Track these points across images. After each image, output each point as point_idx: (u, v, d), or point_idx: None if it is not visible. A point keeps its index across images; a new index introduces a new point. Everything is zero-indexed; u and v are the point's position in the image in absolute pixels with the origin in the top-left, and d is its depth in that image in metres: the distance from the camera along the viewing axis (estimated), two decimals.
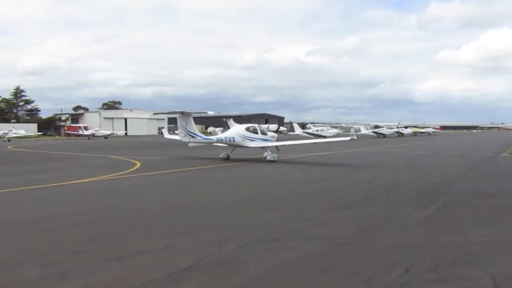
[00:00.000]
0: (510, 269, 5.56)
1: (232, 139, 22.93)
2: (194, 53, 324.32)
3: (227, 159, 22.89)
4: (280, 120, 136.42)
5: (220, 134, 24.41)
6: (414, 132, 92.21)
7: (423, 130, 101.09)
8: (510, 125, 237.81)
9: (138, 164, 20.03)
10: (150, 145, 44.18)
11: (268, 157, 22.23)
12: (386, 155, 27.92)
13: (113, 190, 12.33)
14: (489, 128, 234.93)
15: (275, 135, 25.37)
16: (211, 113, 26.43)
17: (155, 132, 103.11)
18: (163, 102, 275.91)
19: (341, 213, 8.97)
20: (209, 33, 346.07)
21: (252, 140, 23.10)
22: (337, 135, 63.79)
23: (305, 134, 62.10)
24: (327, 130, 66.40)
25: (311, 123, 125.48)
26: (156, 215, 8.68)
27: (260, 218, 8.44)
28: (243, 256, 6.06)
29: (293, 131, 64.89)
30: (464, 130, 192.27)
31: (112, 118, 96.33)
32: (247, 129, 23.42)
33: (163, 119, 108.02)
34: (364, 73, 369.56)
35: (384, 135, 75.11)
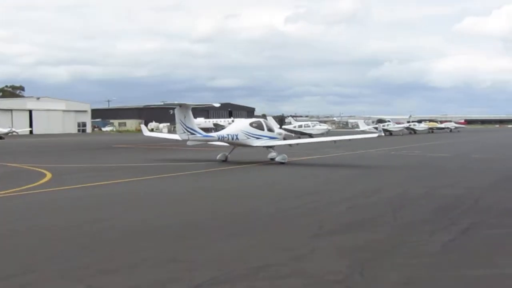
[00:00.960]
0: None
1: (235, 137, 25.59)
2: (130, 18, 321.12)
3: (225, 161, 25.79)
4: (249, 112, 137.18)
5: (221, 131, 27.78)
6: (430, 128, 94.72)
7: (443, 125, 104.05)
8: None
9: (48, 175, 19.66)
10: (70, 147, 43.36)
11: (277, 159, 25.05)
12: (394, 160, 28.47)
13: (5, 213, 12.02)
14: None
15: (283, 132, 28.82)
16: (217, 105, 29.65)
17: (74, 129, 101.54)
18: (85, 87, 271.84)
19: (332, 240, 9.06)
20: None
21: (257, 138, 25.88)
22: (327, 133, 64.61)
23: (284, 132, 62.51)
24: (313, 126, 66.99)
25: (292, 116, 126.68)
26: (73, 246, 8.51)
27: (222, 248, 8.42)
28: None
29: None
30: (497, 125, 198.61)
31: (11, 110, 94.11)
32: (251, 125, 26.34)
33: (84, 111, 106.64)
34: (364, 48, 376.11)
35: (390, 133, 76.67)
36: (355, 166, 24.38)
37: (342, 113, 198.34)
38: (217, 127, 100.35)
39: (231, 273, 7.07)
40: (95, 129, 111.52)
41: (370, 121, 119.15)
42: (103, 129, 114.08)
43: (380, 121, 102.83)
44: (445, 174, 20.83)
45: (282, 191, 15.76)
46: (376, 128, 78.71)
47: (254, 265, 7.42)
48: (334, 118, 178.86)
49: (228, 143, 26.16)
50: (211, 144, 27.77)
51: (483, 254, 8.15)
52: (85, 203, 13.41)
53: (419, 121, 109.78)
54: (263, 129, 26.27)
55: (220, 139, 25.81)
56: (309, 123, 73.77)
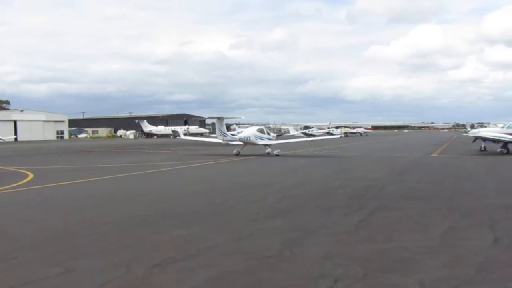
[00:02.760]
0: (437, 275, 5.99)
1: (248, 138, 31.65)
2: (100, 44, 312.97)
3: (238, 154, 30.57)
4: (201, 121, 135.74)
5: (240, 134, 34.03)
6: (345, 133, 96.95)
7: (354, 131, 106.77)
8: (439, 124, 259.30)
9: (30, 176, 18.83)
10: (51, 151, 41.67)
11: (275, 152, 30.72)
12: (317, 158, 28.96)
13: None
14: (420, 127, 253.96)
15: (275, 135, 36.22)
16: (243, 118, 39.67)
17: (53, 136, 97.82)
18: (62, 101, 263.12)
19: (267, 224, 9.11)
20: (119, 21, 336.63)
21: (261, 139, 32.00)
22: None
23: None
24: None
25: (236, 124, 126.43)
26: (50, 236, 8.17)
27: (176, 234, 8.30)
28: (156, 277, 5.91)
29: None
30: (396, 130, 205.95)
31: None
32: (257, 130, 32.64)
33: (62, 121, 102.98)
34: (293, 69, 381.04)
35: (313, 136, 77.94)
36: (282, 163, 24.72)
37: (276, 121, 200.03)
38: (174, 133, 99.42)
39: (185, 252, 6.99)
40: (72, 136, 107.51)
41: (298, 127, 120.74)
42: (79, 136, 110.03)
43: (306, 127, 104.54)
44: (356, 169, 21.35)
45: (236, 184, 15.73)
46: (304, 133, 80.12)
47: (204, 246, 7.36)
48: (270, 125, 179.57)
49: (243, 142, 31.67)
50: (232, 144, 33.18)
51: (385, 231, 8.40)
52: (68, 197, 12.91)
53: (337, 127, 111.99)
54: (264, 133, 32.55)
55: (239, 139, 32.00)
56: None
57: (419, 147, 44.59)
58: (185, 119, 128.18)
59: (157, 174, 19.57)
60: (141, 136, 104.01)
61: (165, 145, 49.35)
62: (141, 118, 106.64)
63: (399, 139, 76.36)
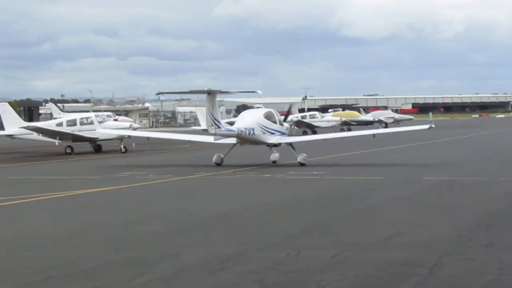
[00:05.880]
0: None
1: (251, 131, 41.37)
2: None
3: (220, 164, 40.78)
4: None
5: (237, 124, 44.32)
6: (344, 123, 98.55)
7: (370, 117, 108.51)
8: None
9: None
10: None
11: (299, 158, 41.11)
12: (277, 189, 29.65)
13: None
14: None
15: (288, 126, 46.47)
16: (260, 92, 53.43)
17: None
18: None
19: None
20: None
21: (271, 133, 41.95)
22: (129, 133, 64.35)
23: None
24: (100, 123, 66.42)
25: (54, 102, 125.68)
26: None
27: None
28: None
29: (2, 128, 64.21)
30: (474, 115, 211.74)
31: None
32: (265, 116, 42.73)
33: None
34: None
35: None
36: (209, 201, 25.51)
37: (162, 96, 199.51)
38: None
39: None
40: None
41: (223, 109, 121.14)
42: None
43: (245, 107, 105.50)
44: (374, 218, 21.57)
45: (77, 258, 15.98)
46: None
47: None
48: (149, 105, 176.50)
49: (240, 138, 41.67)
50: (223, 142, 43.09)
51: None
52: None
53: (324, 109, 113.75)
54: (276, 122, 42.77)
55: (239, 133, 41.44)
56: (92, 116, 72.33)
57: None
58: None
59: None
60: None
61: None
62: None
63: (479, 137, 78.42)
